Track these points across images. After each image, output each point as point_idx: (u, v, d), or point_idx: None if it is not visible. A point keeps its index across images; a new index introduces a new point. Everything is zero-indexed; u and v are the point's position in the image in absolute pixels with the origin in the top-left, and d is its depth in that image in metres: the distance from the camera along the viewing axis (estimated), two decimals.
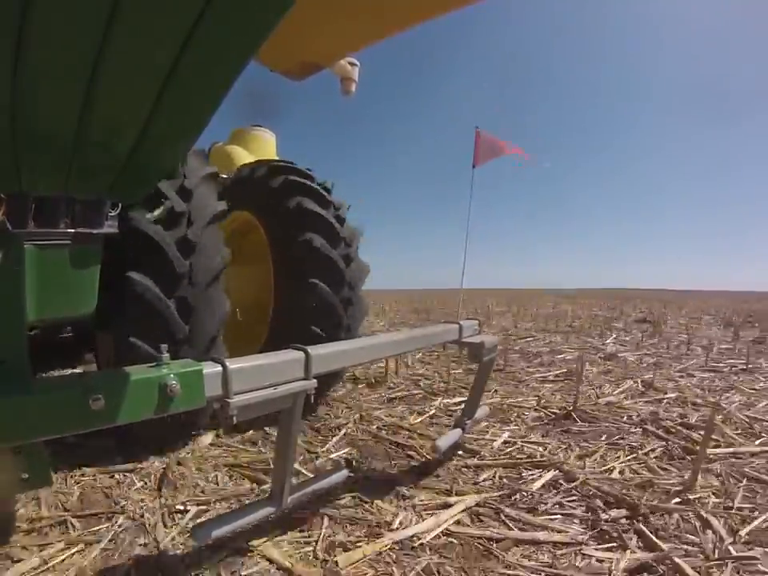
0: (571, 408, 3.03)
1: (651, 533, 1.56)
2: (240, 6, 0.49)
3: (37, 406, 0.87)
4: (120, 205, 1.90)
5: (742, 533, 1.57)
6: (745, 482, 1.98)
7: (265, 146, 4.10)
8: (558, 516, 1.70)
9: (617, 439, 2.53)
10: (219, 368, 1.14)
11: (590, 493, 1.88)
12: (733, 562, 1.40)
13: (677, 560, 1.40)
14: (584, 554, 1.46)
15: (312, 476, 1.84)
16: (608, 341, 6.75)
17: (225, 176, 3.24)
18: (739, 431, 2.67)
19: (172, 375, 1.02)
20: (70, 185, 0.96)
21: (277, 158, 3.15)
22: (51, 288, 1.57)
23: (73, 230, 1.66)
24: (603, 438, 2.55)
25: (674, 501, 1.81)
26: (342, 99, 2.83)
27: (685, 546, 1.50)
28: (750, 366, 4.67)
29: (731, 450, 2.35)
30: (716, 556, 1.44)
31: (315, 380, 1.37)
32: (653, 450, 2.35)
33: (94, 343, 2.27)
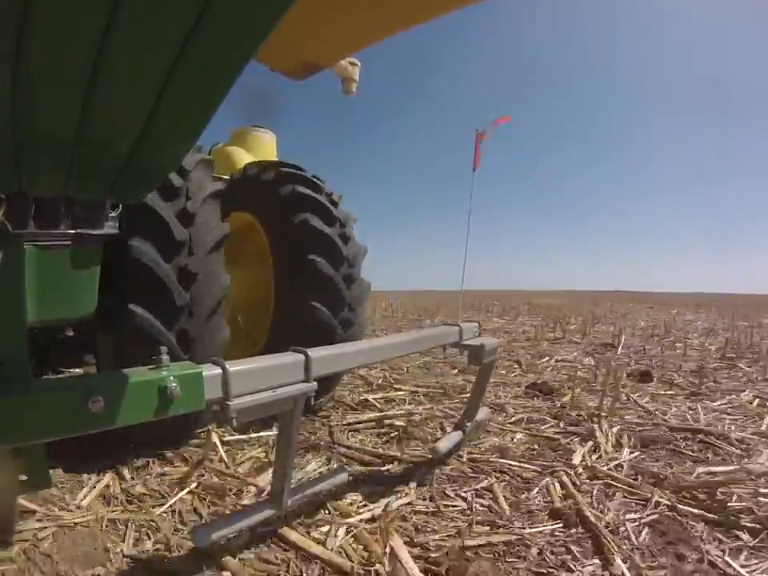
0: None
1: None
2: (240, 5, 0.49)
3: (36, 407, 0.87)
4: (120, 206, 1.91)
5: None
6: None
7: (265, 146, 4.09)
8: None
9: None
10: (219, 370, 1.13)
11: None
12: None
13: None
14: None
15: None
16: None
17: (225, 177, 3.23)
18: None
19: (172, 377, 1.02)
20: (70, 185, 0.96)
21: (285, 162, 3.07)
22: (51, 289, 1.56)
23: (73, 231, 1.66)
24: None
25: None
26: (342, 98, 2.82)
27: None
28: None
29: None
30: None
31: (315, 383, 1.36)
32: None
33: (94, 345, 2.27)
